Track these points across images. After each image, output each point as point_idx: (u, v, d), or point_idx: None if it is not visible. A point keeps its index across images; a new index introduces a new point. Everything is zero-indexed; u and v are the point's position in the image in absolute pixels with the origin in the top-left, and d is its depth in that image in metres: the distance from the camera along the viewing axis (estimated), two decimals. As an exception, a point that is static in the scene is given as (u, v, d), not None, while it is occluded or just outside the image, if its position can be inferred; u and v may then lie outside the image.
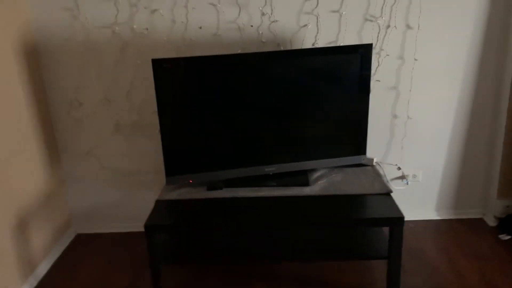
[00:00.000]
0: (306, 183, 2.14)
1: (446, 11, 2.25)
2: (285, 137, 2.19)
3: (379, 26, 2.28)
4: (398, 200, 2.00)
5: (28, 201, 2.23)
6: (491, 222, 2.55)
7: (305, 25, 2.27)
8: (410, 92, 2.39)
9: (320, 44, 2.30)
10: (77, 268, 2.35)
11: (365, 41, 2.29)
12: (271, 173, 2.19)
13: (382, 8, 2.24)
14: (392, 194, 2.04)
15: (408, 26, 2.28)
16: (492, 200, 2.53)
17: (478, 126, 2.47)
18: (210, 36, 2.29)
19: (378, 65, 2.34)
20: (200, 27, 2.27)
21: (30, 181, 2.26)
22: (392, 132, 2.48)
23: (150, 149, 2.49)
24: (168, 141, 2.07)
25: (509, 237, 2.41)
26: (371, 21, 2.27)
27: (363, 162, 2.26)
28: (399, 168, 2.54)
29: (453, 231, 2.52)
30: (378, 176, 2.21)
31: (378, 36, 2.29)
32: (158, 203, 2.08)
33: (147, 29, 2.27)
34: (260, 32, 2.28)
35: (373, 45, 2.29)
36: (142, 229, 1.89)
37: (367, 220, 1.91)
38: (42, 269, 2.32)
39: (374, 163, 2.35)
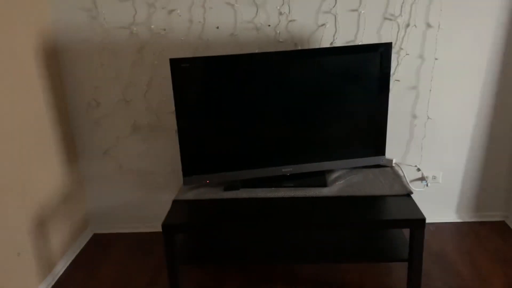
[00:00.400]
0: (324, 184, 2.12)
1: (467, 9, 2.21)
2: (303, 137, 2.16)
3: (398, 25, 2.24)
4: (417, 201, 1.96)
5: (46, 200, 2.25)
6: (514, 225, 2.49)
7: (323, 25, 2.25)
8: (430, 92, 2.35)
9: (338, 43, 2.28)
10: (94, 268, 2.36)
11: (384, 40, 2.26)
12: (288, 174, 2.17)
13: (402, 6, 2.21)
14: (412, 196, 2.00)
15: (429, 25, 2.24)
16: (515, 202, 2.47)
17: (500, 127, 2.41)
18: (227, 36, 2.28)
19: (398, 64, 2.30)
20: (218, 27, 2.27)
21: (48, 181, 2.27)
22: (411, 133, 2.44)
23: (167, 149, 2.49)
24: (185, 141, 2.07)
25: (533, 240, 2.35)
26: (391, 20, 2.24)
27: (382, 163, 2.23)
28: (418, 170, 2.50)
29: (474, 234, 2.46)
30: (397, 177, 2.17)
31: (397, 35, 2.26)
32: (176, 203, 2.07)
33: (164, 29, 2.28)
34: (278, 31, 2.27)
35: (393, 44, 2.25)
36: (160, 229, 1.88)
37: (387, 221, 1.88)
38: (60, 268, 2.33)
39: (393, 164, 2.32)
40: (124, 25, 2.28)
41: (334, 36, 2.27)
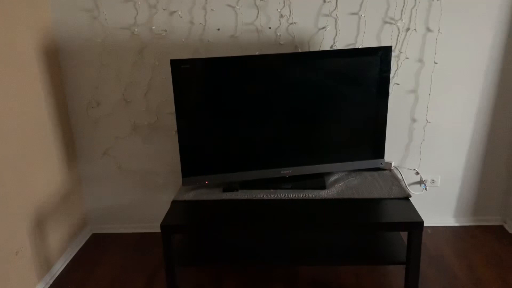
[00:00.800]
0: (323, 186, 2.12)
1: (467, 14, 2.22)
2: (302, 140, 2.17)
3: (398, 29, 2.26)
4: (415, 205, 1.97)
5: (45, 200, 2.25)
6: (512, 229, 2.50)
7: (323, 27, 2.26)
8: (430, 96, 2.36)
9: (339, 46, 2.29)
10: (92, 268, 2.36)
11: (384, 44, 2.27)
12: (287, 176, 2.18)
13: (402, 10, 2.22)
14: (410, 199, 2.00)
15: (428, 29, 2.25)
16: (513, 207, 2.48)
17: (499, 131, 2.42)
18: (228, 37, 2.29)
19: (397, 68, 2.31)
20: (218, 29, 2.28)
21: (47, 180, 2.28)
22: (410, 136, 2.44)
23: (167, 150, 2.49)
24: (185, 142, 2.07)
25: (530, 245, 2.36)
26: (391, 23, 2.25)
27: (381, 166, 2.23)
28: (417, 173, 2.50)
29: (472, 238, 2.47)
30: (396, 180, 2.18)
31: (397, 39, 2.27)
32: (174, 203, 2.08)
33: (165, 30, 2.28)
34: (278, 34, 2.28)
35: (393, 48, 2.26)
36: (158, 230, 1.89)
37: (385, 224, 1.88)
38: (58, 267, 2.33)
39: (392, 167, 2.32)
40: (125, 26, 2.29)
41: (334, 39, 2.28)
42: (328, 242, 2.09)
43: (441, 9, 2.21)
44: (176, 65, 1.96)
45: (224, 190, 2.14)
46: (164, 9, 2.25)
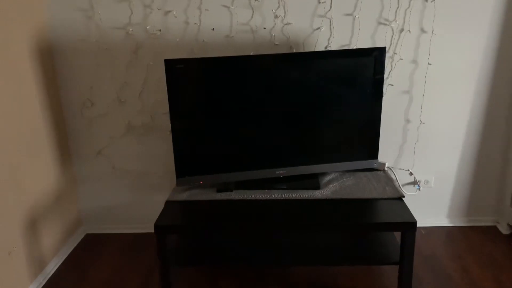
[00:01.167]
0: (317, 187, 2.13)
1: (461, 16, 2.23)
2: (296, 140, 2.17)
3: (392, 30, 2.27)
4: (409, 205, 1.98)
5: (39, 200, 2.24)
6: (505, 230, 2.51)
7: (318, 28, 2.27)
8: (423, 97, 2.37)
9: (333, 47, 2.29)
10: (86, 268, 2.35)
11: (379, 44, 2.28)
12: (281, 176, 2.18)
13: (396, 11, 2.23)
14: (403, 199, 2.01)
15: (422, 30, 2.26)
16: (505, 207, 2.49)
17: (492, 132, 2.44)
18: (223, 38, 2.29)
19: (391, 69, 2.32)
20: (213, 29, 2.28)
21: (41, 180, 2.27)
22: (404, 137, 2.45)
23: (161, 150, 2.49)
24: (179, 142, 2.07)
25: (523, 245, 2.37)
26: (385, 24, 2.26)
27: (374, 166, 2.24)
28: (411, 174, 2.51)
29: (466, 238, 2.48)
30: (390, 180, 2.18)
31: (391, 40, 2.28)
32: (168, 204, 2.07)
33: (160, 30, 2.28)
34: (273, 34, 2.28)
35: (387, 49, 2.27)
36: (152, 230, 1.88)
37: (379, 224, 1.89)
38: (51, 268, 2.32)
39: (386, 168, 2.33)
40: (120, 25, 2.29)
41: (329, 40, 2.29)
42: (322, 243, 2.10)
43: (435, 11, 2.22)
44: (170, 65, 1.96)
45: (219, 191, 2.14)
46: (159, 9, 2.25)
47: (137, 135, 2.48)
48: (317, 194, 2.07)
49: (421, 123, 2.41)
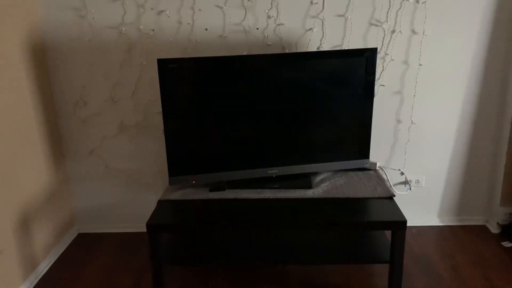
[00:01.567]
0: (309, 186, 2.14)
1: (451, 17, 2.26)
2: (289, 140, 2.19)
3: (384, 31, 2.29)
4: (400, 205, 2.00)
5: (32, 199, 2.24)
6: (494, 229, 2.54)
7: (310, 29, 2.29)
8: (414, 97, 2.39)
9: (325, 47, 2.31)
10: (78, 267, 2.35)
11: (370, 45, 2.30)
12: (274, 175, 2.19)
13: (388, 13, 2.25)
14: (394, 199, 2.03)
15: (413, 32, 2.29)
16: (495, 207, 2.52)
17: (482, 133, 2.47)
18: (216, 38, 2.30)
19: (383, 69, 2.34)
20: (206, 29, 2.29)
21: (34, 179, 2.27)
22: (396, 137, 2.48)
23: (154, 150, 2.50)
24: (172, 141, 2.08)
25: (512, 244, 2.40)
26: (377, 25, 2.28)
27: (366, 166, 2.26)
28: (402, 173, 2.54)
29: (456, 237, 2.51)
30: (381, 180, 2.21)
31: (383, 41, 2.30)
32: (161, 203, 2.08)
33: (153, 30, 2.29)
34: (266, 34, 2.30)
35: (378, 50, 2.29)
36: (145, 230, 1.89)
37: (370, 223, 1.90)
38: (43, 267, 2.32)
39: (377, 168, 2.35)
40: (113, 25, 2.29)
41: (321, 40, 2.30)
42: (314, 241, 2.11)
43: (426, 12, 2.25)
44: (163, 64, 1.97)
45: (211, 190, 2.15)
46: (152, 9, 2.26)
47: (130, 134, 2.49)
48: (309, 193, 2.09)
49: (412, 123, 2.44)
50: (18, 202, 2.12)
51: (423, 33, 2.28)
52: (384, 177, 2.27)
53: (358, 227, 1.95)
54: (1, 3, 1.99)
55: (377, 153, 2.47)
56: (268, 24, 2.28)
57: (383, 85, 2.37)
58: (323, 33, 2.29)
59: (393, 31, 2.29)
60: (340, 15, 2.26)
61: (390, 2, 2.24)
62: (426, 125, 2.45)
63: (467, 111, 2.43)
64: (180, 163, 2.11)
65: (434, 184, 2.57)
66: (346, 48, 2.30)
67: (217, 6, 2.25)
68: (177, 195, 2.12)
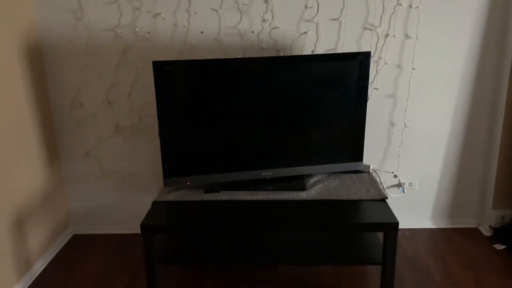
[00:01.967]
0: (303, 188, 2.16)
1: (444, 22, 2.29)
2: (283, 142, 2.21)
3: (378, 35, 2.31)
4: (394, 207, 2.02)
5: (27, 200, 2.24)
6: (486, 232, 2.56)
7: (305, 32, 2.31)
8: (408, 101, 2.42)
9: (320, 51, 2.33)
10: (73, 268, 2.35)
11: (364, 49, 2.33)
12: (268, 177, 2.21)
13: (381, 17, 2.28)
14: (388, 202, 2.05)
15: (407, 36, 2.31)
16: (487, 210, 2.54)
17: (474, 136, 2.49)
18: (211, 40, 2.32)
19: (377, 73, 2.37)
20: (202, 32, 2.31)
21: (29, 180, 2.27)
22: (389, 140, 2.50)
23: (149, 151, 2.51)
24: (166, 143, 2.09)
25: (504, 247, 2.42)
26: (370, 29, 2.30)
27: (359, 168, 2.28)
28: (395, 176, 2.56)
29: (448, 240, 2.53)
30: (374, 182, 2.22)
31: (377, 45, 2.33)
32: (155, 204, 2.09)
33: (149, 32, 2.31)
34: (261, 38, 2.32)
35: (372, 54, 2.32)
36: (140, 231, 1.90)
37: (362, 225, 1.92)
38: (38, 267, 2.32)
39: (370, 170, 2.37)
40: (109, 27, 2.30)
41: (315, 44, 2.33)
42: (307, 243, 2.13)
43: (419, 17, 2.27)
44: (159, 66, 1.99)
45: (206, 191, 2.16)
46: (148, 12, 2.28)
47: (125, 136, 2.50)
48: (303, 195, 2.11)
49: (405, 126, 2.46)
50: (13, 203, 2.13)
51: (416, 38, 2.31)
52: (378, 179, 2.29)
53: (351, 228, 1.97)
54: (-3, 4, 2.00)
55: (371, 156, 2.49)
56: (263, 28, 2.30)
57: (377, 89, 2.40)
58: (317, 36, 2.32)
59: (387, 35, 2.31)
60: (334, 19, 2.29)
61: (383, 7, 2.26)
62: (419, 128, 2.47)
63: (460, 115, 2.45)
64: (174, 164, 2.13)
65: (427, 187, 2.59)
66: (340, 52, 2.33)
67: (213, 9, 2.27)
68: (171, 196, 2.14)
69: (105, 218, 2.67)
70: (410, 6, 2.26)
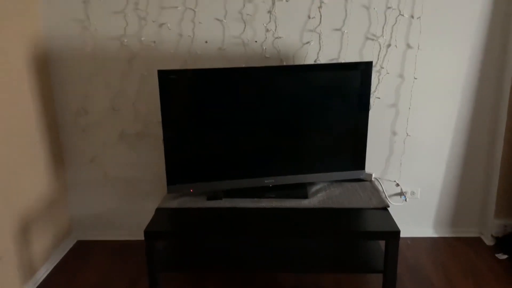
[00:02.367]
0: (305, 196, 2.17)
1: (445, 32, 2.31)
2: (285, 150, 2.23)
3: (380, 45, 2.34)
4: (396, 216, 2.02)
5: (31, 206, 2.27)
6: (489, 241, 2.56)
7: (307, 42, 2.34)
8: (409, 110, 2.44)
9: (322, 60, 2.36)
10: (76, 275, 2.37)
11: (366, 59, 2.35)
12: (270, 185, 2.22)
13: (383, 27, 2.31)
14: (390, 211, 2.06)
15: (409, 46, 2.34)
16: (489, 219, 2.54)
17: (476, 145, 2.51)
18: (216, 50, 2.35)
19: (379, 82, 2.39)
20: (206, 41, 2.34)
21: (34, 187, 2.30)
22: (391, 149, 2.51)
23: (153, 159, 2.53)
24: (170, 150, 2.11)
25: (506, 256, 2.42)
26: (372, 39, 2.33)
27: (361, 177, 2.30)
28: (397, 185, 2.57)
29: (450, 249, 2.53)
30: (376, 191, 2.24)
31: (379, 55, 2.35)
32: (159, 211, 2.11)
33: (154, 41, 2.34)
34: (264, 47, 2.35)
35: (374, 63, 2.34)
36: (143, 238, 1.92)
37: (364, 233, 1.94)
38: (42, 273, 2.34)
39: (372, 179, 2.39)
40: (115, 36, 2.34)
41: (318, 53, 2.35)
42: (309, 250, 2.14)
43: (420, 27, 2.30)
44: (164, 75, 2.02)
45: (209, 198, 2.18)
46: (153, 21, 2.32)
47: (130, 143, 2.53)
48: (305, 203, 2.12)
49: (407, 135, 2.48)
50: (18, 209, 2.15)
51: (418, 47, 2.34)
52: (380, 188, 2.30)
53: (352, 236, 1.98)
54: (5, 13, 2.04)
55: (373, 165, 2.51)
56: (266, 37, 2.33)
57: (379, 98, 2.42)
58: (320, 46, 2.34)
59: (389, 45, 2.34)
60: (336, 29, 2.32)
61: (385, 17, 2.29)
62: (421, 137, 2.49)
63: (461, 124, 2.47)
64: (178, 172, 2.15)
65: (429, 196, 2.60)
66: (342, 61, 2.35)
67: (217, 19, 2.31)
68: (175, 203, 2.16)
69: (109, 224, 2.69)
70: (412, 17, 2.29)
